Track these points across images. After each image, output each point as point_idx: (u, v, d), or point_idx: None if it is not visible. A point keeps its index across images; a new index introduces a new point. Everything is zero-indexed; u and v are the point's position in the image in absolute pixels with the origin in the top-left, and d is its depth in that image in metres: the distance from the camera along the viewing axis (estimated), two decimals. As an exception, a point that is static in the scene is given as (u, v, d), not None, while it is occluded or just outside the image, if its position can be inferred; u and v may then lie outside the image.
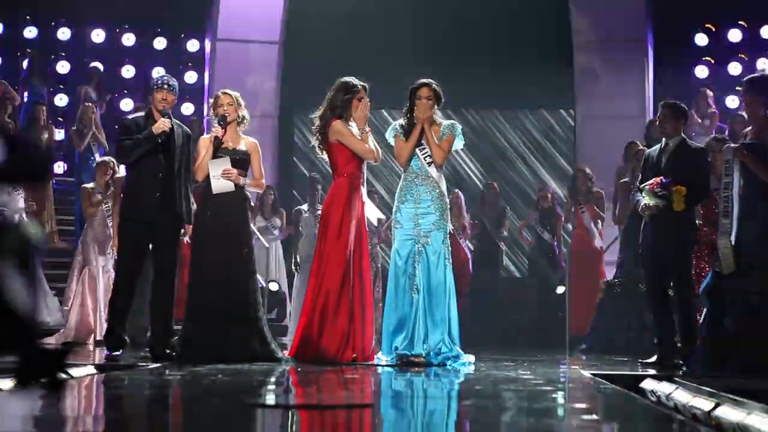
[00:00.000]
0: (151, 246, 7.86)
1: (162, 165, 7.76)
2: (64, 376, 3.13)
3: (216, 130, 7.81)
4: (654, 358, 7.81)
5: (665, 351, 7.75)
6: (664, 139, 7.92)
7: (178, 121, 8.05)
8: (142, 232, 7.78)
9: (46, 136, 12.52)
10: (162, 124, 7.72)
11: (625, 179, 10.30)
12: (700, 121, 12.29)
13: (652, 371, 7.09)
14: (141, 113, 8.07)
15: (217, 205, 7.80)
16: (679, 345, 7.75)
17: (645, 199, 7.72)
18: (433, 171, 7.68)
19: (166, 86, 7.84)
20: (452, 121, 7.89)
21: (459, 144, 7.82)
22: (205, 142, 7.91)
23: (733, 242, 7.13)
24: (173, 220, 7.85)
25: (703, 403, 4.82)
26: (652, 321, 8.19)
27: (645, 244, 7.90)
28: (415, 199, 7.69)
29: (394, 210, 7.81)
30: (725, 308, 7.11)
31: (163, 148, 7.78)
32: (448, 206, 7.82)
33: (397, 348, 7.52)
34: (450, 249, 7.71)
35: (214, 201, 7.80)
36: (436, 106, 7.71)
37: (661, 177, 7.66)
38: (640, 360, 7.94)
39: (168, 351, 7.68)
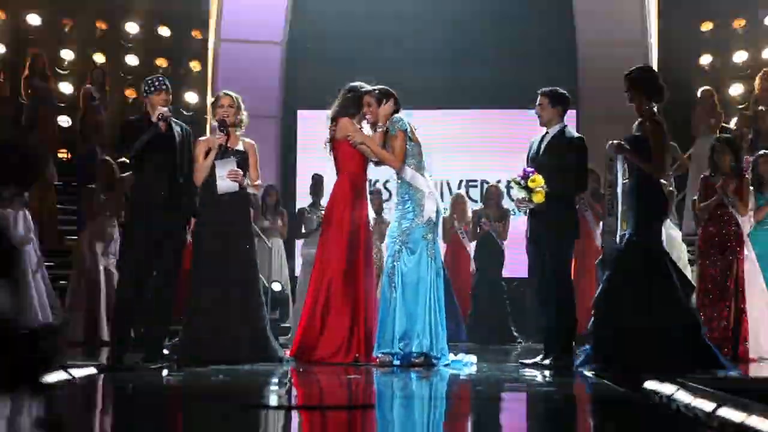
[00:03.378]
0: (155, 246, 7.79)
1: (167, 165, 7.66)
2: (44, 379, 3.13)
3: (219, 138, 7.79)
4: (539, 357, 7.59)
5: (552, 346, 7.57)
6: (545, 128, 7.77)
7: (178, 122, 7.97)
8: (149, 234, 7.64)
9: (49, 137, 12.54)
10: (163, 110, 7.54)
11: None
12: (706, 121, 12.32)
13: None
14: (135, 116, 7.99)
15: (218, 205, 7.78)
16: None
17: (514, 191, 7.58)
18: (407, 172, 7.65)
19: (164, 87, 7.78)
20: (395, 118, 7.68)
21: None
22: (202, 145, 7.89)
23: (618, 240, 7.12)
24: (179, 220, 7.74)
25: (705, 404, 4.80)
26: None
27: (529, 238, 7.78)
28: (400, 201, 7.69)
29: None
30: (615, 311, 7.04)
31: (167, 147, 7.66)
32: (434, 203, 7.70)
33: (379, 346, 7.50)
34: (435, 246, 7.64)
35: (215, 201, 7.78)
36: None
37: (525, 168, 7.55)
38: (521, 360, 7.73)
39: (164, 351, 7.65)
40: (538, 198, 7.44)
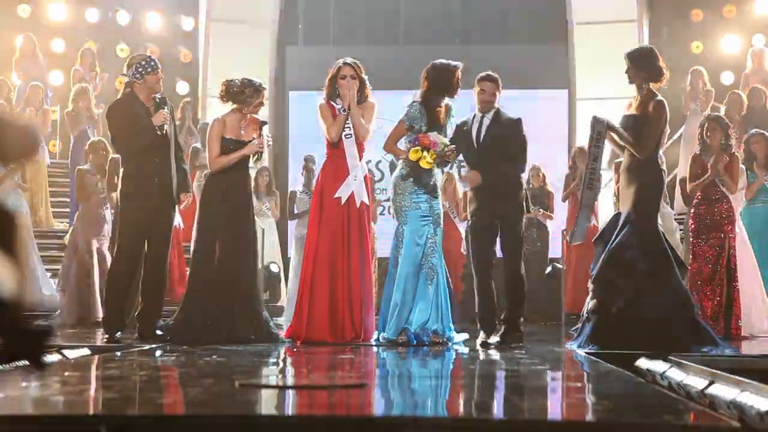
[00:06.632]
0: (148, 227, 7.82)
1: (158, 149, 7.73)
2: (46, 356, 3.11)
3: (266, 141, 7.87)
4: (480, 338, 7.66)
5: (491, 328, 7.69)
6: (478, 113, 7.76)
7: (163, 97, 7.98)
8: (142, 216, 7.73)
9: (41, 117, 12.50)
10: (162, 118, 7.68)
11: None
12: (693, 99, 12.34)
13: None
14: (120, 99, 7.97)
15: (223, 188, 7.79)
16: (503, 320, 7.68)
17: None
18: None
19: (158, 66, 7.80)
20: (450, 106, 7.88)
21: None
22: (217, 130, 7.83)
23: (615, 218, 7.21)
24: (170, 202, 7.84)
25: (697, 381, 4.83)
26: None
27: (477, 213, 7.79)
28: (428, 181, 7.66)
29: (403, 190, 7.69)
30: (611, 290, 7.06)
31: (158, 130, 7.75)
32: None
33: (414, 330, 7.48)
34: None
35: (221, 184, 7.79)
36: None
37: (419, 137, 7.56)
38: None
39: (157, 331, 7.67)
40: (425, 163, 7.47)
